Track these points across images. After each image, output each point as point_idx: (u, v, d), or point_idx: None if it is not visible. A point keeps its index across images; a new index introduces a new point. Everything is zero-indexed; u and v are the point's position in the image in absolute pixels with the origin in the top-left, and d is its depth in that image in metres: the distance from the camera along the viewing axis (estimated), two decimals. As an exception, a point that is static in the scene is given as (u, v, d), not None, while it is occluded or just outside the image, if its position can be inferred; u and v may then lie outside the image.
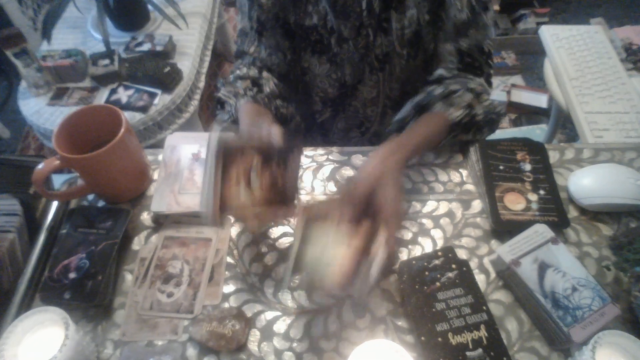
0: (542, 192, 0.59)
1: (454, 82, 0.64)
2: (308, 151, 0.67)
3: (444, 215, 0.60)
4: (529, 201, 0.58)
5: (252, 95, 0.66)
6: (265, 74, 0.70)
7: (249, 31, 0.69)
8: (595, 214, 0.59)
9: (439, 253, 0.52)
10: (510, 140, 0.64)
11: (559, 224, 0.57)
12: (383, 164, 0.50)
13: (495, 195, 0.59)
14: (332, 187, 0.63)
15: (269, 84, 0.69)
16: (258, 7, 0.66)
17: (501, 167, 0.61)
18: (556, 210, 0.57)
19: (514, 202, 0.58)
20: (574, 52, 1.09)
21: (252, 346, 0.50)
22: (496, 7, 2.03)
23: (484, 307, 0.48)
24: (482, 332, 0.46)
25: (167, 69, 1.21)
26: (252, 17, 0.68)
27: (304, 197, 0.63)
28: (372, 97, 0.74)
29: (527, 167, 0.62)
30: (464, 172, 0.64)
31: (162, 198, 0.59)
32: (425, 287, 0.49)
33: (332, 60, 0.69)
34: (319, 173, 0.65)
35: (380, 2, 0.62)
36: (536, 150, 0.63)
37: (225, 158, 0.48)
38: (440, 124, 0.61)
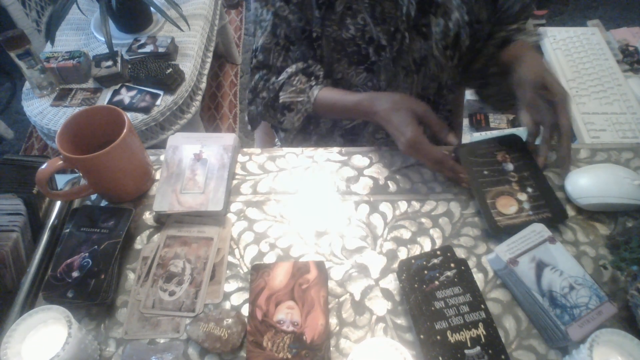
0: (529, 189, 0.60)
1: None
2: (308, 151, 0.68)
3: (443, 214, 0.61)
4: (520, 202, 0.59)
5: (320, 83, 0.69)
6: (311, 62, 0.71)
7: (272, 47, 0.70)
8: (592, 214, 0.60)
9: (438, 252, 0.52)
10: (487, 142, 0.64)
11: (555, 219, 0.57)
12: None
13: (488, 202, 0.59)
14: (331, 187, 0.64)
15: (320, 72, 0.71)
16: (286, 25, 0.67)
17: (485, 172, 0.61)
18: (548, 206, 0.58)
19: (507, 206, 0.58)
20: (571, 54, 1.10)
21: (253, 344, 0.50)
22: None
23: (482, 306, 0.48)
24: (481, 330, 0.47)
25: (169, 70, 1.21)
26: (278, 34, 0.68)
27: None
28: None
29: (510, 166, 0.62)
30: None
31: (164, 198, 0.60)
32: (424, 286, 0.49)
33: (370, 69, 0.70)
34: (319, 173, 0.66)
35: (415, 9, 0.63)
36: (514, 147, 0.64)
37: None
38: (530, 47, 0.68)
